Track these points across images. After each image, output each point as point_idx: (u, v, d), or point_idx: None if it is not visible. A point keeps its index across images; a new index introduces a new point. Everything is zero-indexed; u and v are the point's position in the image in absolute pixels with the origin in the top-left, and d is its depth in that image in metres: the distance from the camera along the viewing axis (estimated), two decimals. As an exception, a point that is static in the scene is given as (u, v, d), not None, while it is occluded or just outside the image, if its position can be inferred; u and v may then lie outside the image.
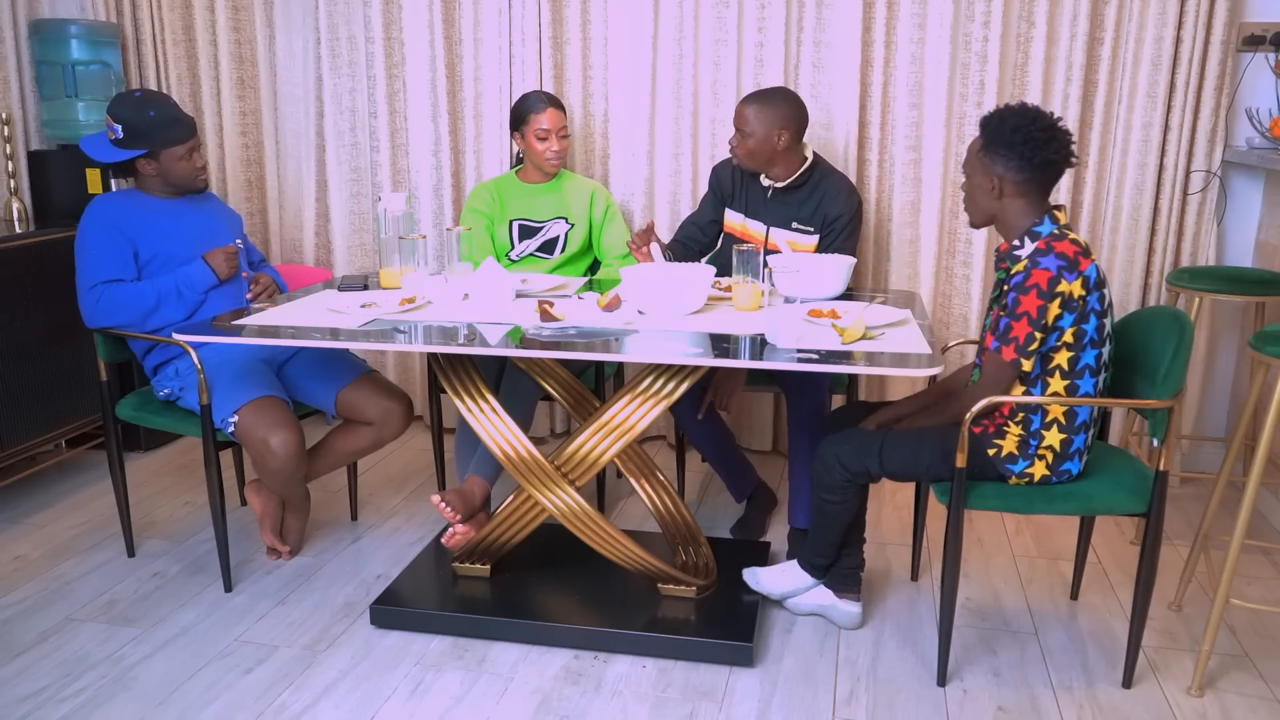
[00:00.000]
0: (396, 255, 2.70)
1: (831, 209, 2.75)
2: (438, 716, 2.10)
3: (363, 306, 2.45)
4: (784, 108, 2.68)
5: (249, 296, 2.69)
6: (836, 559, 2.41)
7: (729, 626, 2.34)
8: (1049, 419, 2.11)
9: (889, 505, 3.23)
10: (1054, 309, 2.03)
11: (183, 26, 3.68)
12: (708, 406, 2.84)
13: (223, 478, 2.58)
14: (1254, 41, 3.12)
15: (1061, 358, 2.08)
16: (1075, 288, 2.02)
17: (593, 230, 3.16)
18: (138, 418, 2.72)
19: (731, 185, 2.90)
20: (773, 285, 2.60)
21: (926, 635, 2.42)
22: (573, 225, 3.12)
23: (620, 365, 3.23)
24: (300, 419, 2.63)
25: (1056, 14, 3.15)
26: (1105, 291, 2.08)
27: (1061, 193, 3.26)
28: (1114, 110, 3.21)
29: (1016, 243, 2.12)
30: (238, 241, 2.79)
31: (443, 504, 2.49)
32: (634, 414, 2.29)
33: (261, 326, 2.33)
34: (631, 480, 2.60)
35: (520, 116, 3.03)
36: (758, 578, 2.47)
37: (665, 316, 2.36)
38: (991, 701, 2.16)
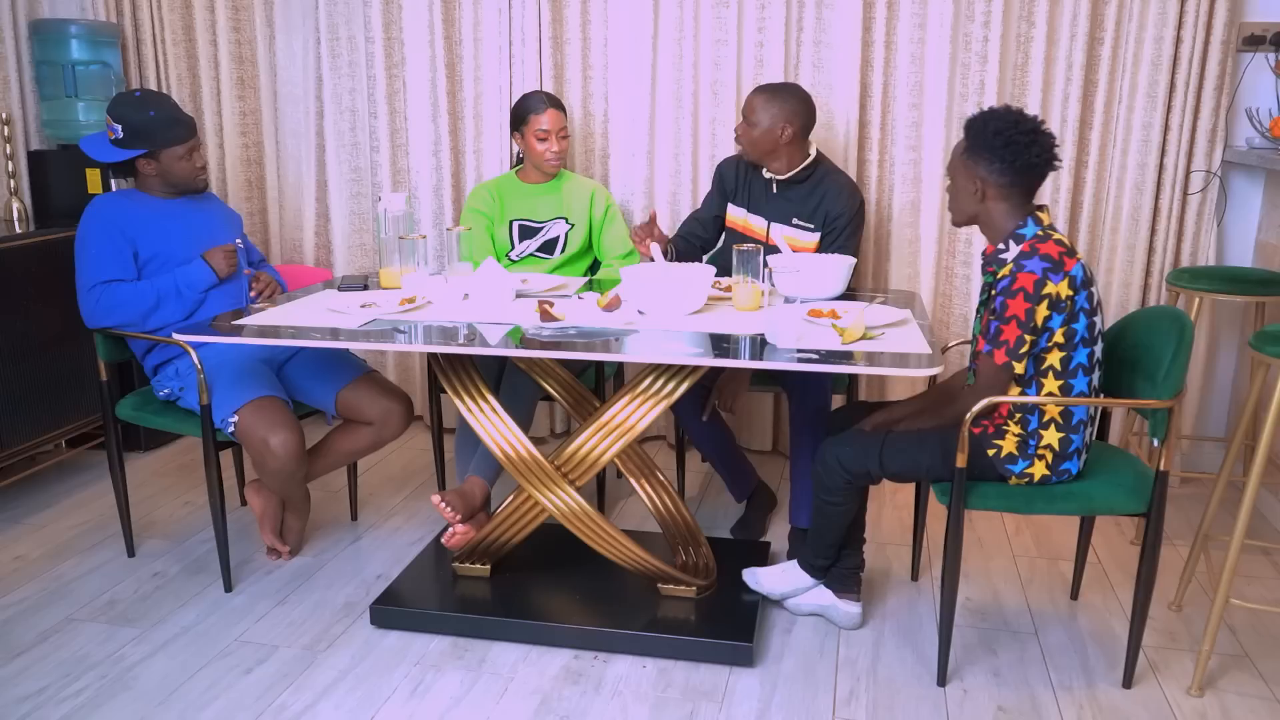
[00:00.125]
0: (396, 255, 2.70)
1: (833, 207, 2.75)
2: (438, 716, 2.10)
3: (363, 306, 2.45)
4: (792, 103, 2.69)
5: (252, 294, 2.70)
6: (837, 559, 2.41)
7: (729, 626, 2.34)
8: (1046, 418, 2.12)
9: (889, 505, 3.23)
10: (1042, 311, 2.03)
11: (183, 26, 3.68)
12: (711, 407, 2.83)
13: (223, 478, 2.58)
14: (1254, 41, 3.12)
15: (1054, 358, 2.08)
16: (1062, 288, 2.03)
17: (593, 230, 3.16)
18: (138, 418, 2.72)
19: (735, 180, 2.90)
20: (773, 285, 2.60)
21: (926, 635, 2.42)
22: (573, 225, 3.12)
23: (620, 365, 3.23)
24: (300, 419, 2.63)
25: (1056, 14, 3.15)
26: (1093, 290, 2.08)
27: (1061, 192, 3.26)
28: (1114, 110, 3.21)
29: (1001, 246, 2.13)
30: (237, 241, 2.79)
31: (443, 504, 2.49)
32: (634, 414, 2.29)
33: (261, 326, 2.33)
34: (631, 480, 2.60)
35: (520, 117, 3.03)
36: (757, 578, 2.47)
37: (665, 316, 2.36)
38: (991, 701, 2.16)
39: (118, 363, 2.75)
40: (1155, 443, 2.11)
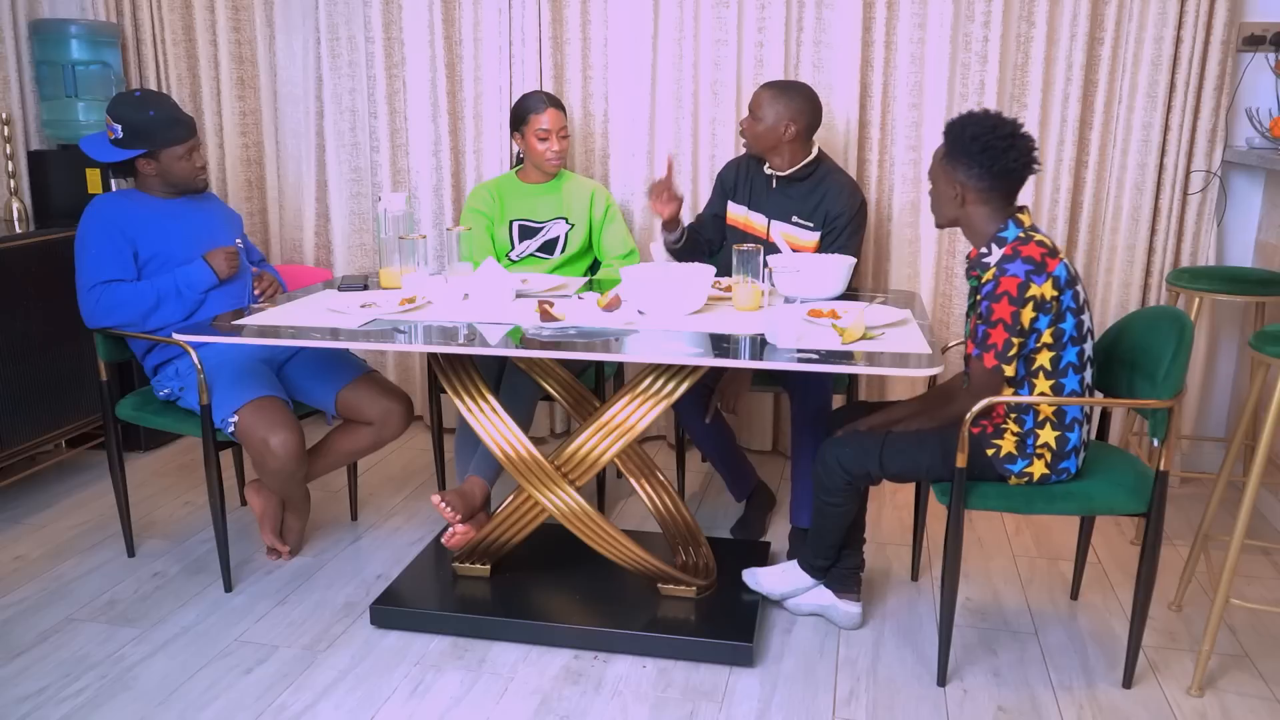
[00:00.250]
0: (396, 255, 2.70)
1: (834, 206, 2.75)
2: (438, 716, 2.10)
3: (363, 306, 2.45)
4: (798, 101, 2.69)
5: (256, 293, 2.70)
6: (837, 559, 2.41)
7: (729, 626, 2.34)
8: (1041, 418, 2.12)
9: (889, 505, 3.23)
10: (1027, 313, 2.03)
11: (183, 26, 3.68)
12: (714, 408, 2.83)
13: (223, 478, 2.58)
14: (1254, 41, 3.12)
15: (1043, 358, 2.08)
16: (1046, 289, 2.03)
17: (593, 230, 3.16)
18: (138, 418, 2.72)
19: (735, 178, 2.91)
20: (773, 285, 2.61)
21: (926, 635, 2.42)
22: (573, 225, 3.12)
23: (620, 365, 3.23)
24: (300, 419, 2.63)
25: (1056, 14, 3.15)
26: (1079, 289, 2.08)
27: (1061, 192, 3.26)
28: (1114, 110, 3.21)
29: (984, 250, 2.13)
30: (237, 241, 2.79)
31: (443, 504, 2.49)
32: (634, 414, 2.29)
33: (261, 326, 2.33)
34: (631, 480, 2.60)
35: (520, 117, 3.03)
36: (757, 578, 2.47)
37: (665, 316, 2.36)
38: (991, 701, 2.16)
39: (118, 363, 2.75)
40: (1155, 443, 2.11)
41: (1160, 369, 2.07)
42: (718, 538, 2.80)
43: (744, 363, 2.07)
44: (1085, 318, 2.10)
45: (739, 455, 3.02)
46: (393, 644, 2.37)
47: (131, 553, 2.83)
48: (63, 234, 3.17)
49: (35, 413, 3.12)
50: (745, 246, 2.38)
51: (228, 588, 2.62)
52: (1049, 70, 3.19)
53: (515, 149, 3.20)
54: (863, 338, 2.16)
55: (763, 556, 2.72)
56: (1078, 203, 3.30)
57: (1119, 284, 3.28)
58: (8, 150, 3.35)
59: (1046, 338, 2.06)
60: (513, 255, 3.12)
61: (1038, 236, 2.08)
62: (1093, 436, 2.64)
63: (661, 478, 2.62)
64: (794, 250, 2.73)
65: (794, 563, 2.46)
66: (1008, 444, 2.13)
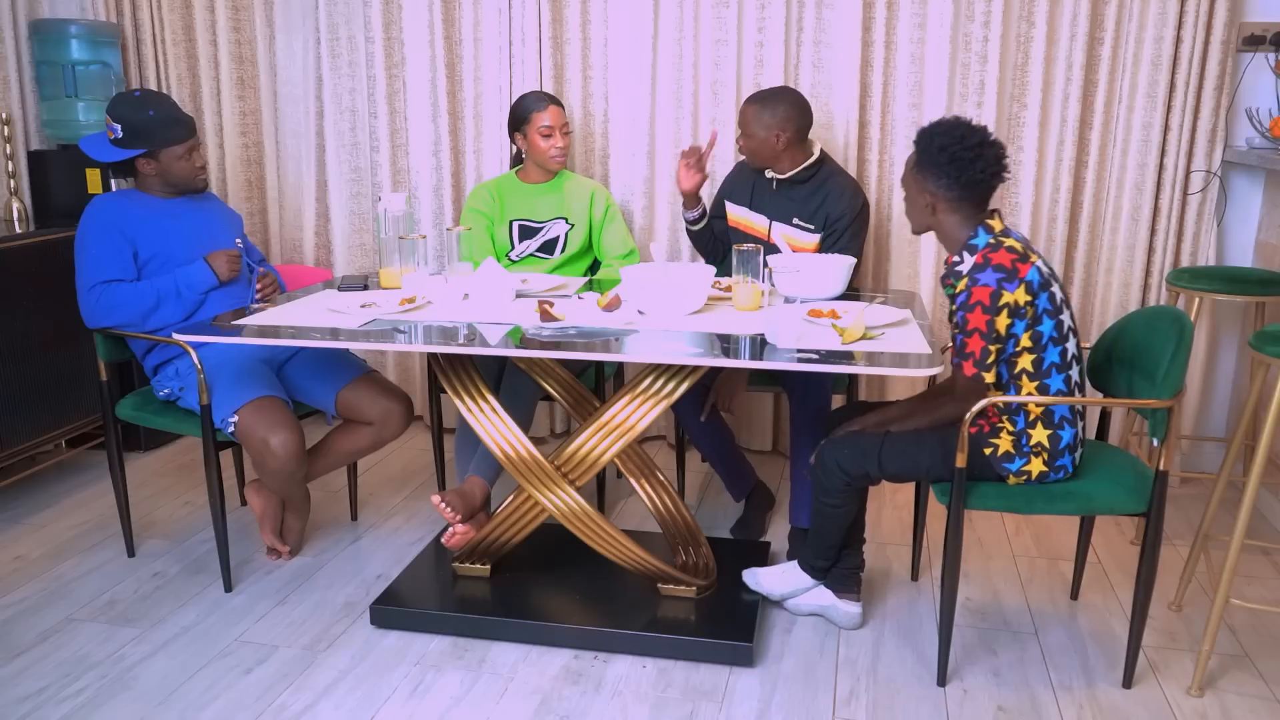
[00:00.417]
0: (396, 255, 2.70)
1: (834, 208, 2.75)
2: (438, 716, 2.10)
3: (363, 306, 2.45)
4: (783, 108, 2.69)
5: (257, 290, 2.70)
6: (837, 560, 2.41)
7: (729, 626, 2.34)
8: (1032, 417, 2.12)
9: (889, 505, 3.23)
10: (1002, 320, 2.03)
11: (183, 26, 3.68)
12: (710, 407, 2.84)
13: (223, 478, 2.58)
14: (1254, 41, 3.12)
15: (1025, 361, 2.09)
16: (1019, 295, 2.03)
17: (593, 230, 3.16)
18: (138, 418, 2.72)
19: (735, 180, 2.93)
20: (773, 285, 2.61)
21: (926, 635, 2.42)
22: (573, 225, 3.12)
23: (620, 365, 3.23)
24: (300, 419, 2.63)
25: (1056, 14, 3.15)
26: (1054, 290, 2.08)
27: (1061, 192, 3.26)
28: (1114, 110, 3.21)
29: (957, 258, 2.14)
30: (237, 241, 2.79)
31: (443, 504, 2.49)
32: (634, 414, 2.29)
33: (261, 326, 2.33)
34: (631, 480, 2.60)
35: (521, 117, 3.03)
36: (758, 579, 2.47)
37: (665, 316, 2.36)
38: (991, 701, 2.16)
39: (118, 363, 2.75)
40: (1155, 442, 2.11)
41: (1160, 369, 2.07)
42: (718, 538, 2.80)
43: (744, 363, 2.07)
44: (1065, 317, 2.10)
45: (738, 455, 3.02)
46: (393, 644, 2.37)
47: (131, 553, 2.83)
48: (63, 234, 3.17)
49: (35, 413, 3.12)
50: (745, 246, 2.38)
51: (228, 588, 2.62)
52: (1049, 70, 3.19)
53: (515, 149, 3.19)
54: (863, 338, 2.16)
55: (763, 556, 2.72)
56: (1078, 203, 3.30)
57: (1119, 284, 3.28)
58: (8, 150, 3.35)
59: (1025, 342, 2.07)
60: (513, 255, 3.12)
61: (1008, 241, 2.08)
62: (1088, 434, 2.65)
63: (661, 478, 2.62)
64: (794, 251, 2.73)
65: (794, 563, 2.46)
66: (1004, 443, 2.13)
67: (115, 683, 2.21)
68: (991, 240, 2.10)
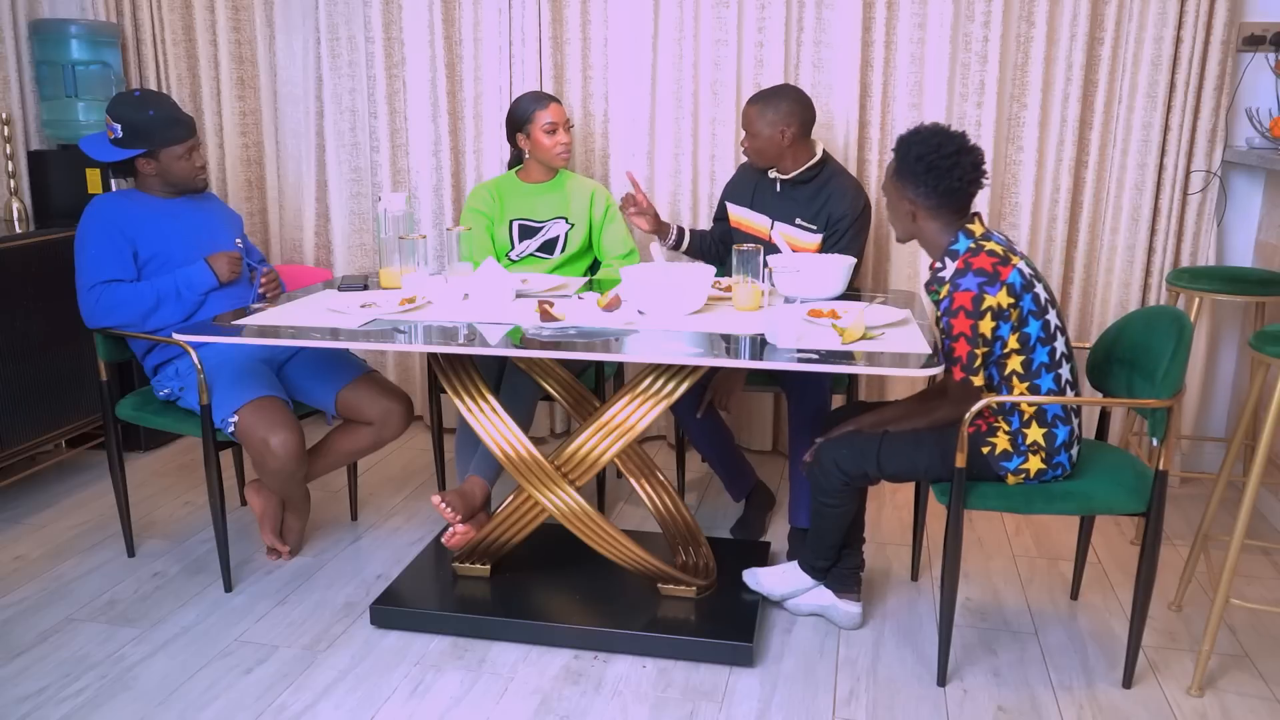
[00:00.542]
0: (396, 255, 2.70)
1: (836, 209, 2.75)
2: (438, 716, 2.10)
3: (363, 306, 2.45)
4: (786, 105, 2.69)
5: (261, 287, 2.70)
6: (837, 560, 2.41)
7: (729, 626, 2.34)
8: (1026, 417, 2.13)
9: (889, 505, 3.23)
10: (987, 323, 2.03)
11: (183, 26, 3.68)
12: (707, 405, 2.84)
13: (223, 478, 2.58)
14: (1254, 41, 3.12)
15: (1014, 363, 2.09)
16: (1001, 299, 2.03)
17: (593, 230, 3.16)
18: (138, 418, 2.72)
19: (737, 181, 2.93)
20: (773, 285, 2.61)
21: (926, 635, 2.42)
22: (573, 225, 3.12)
23: (620, 365, 3.23)
24: (300, 419, 2.63)
25: (1056, 14, 3.15)
26: (1039, 290, 2.08)
27: (1061, 192, 3.26)
28: (1114, 110, 3.21)
29: (939, 264, 2.15)
30: (237, 241, 2.79)
31: (443, 504, 2.49)
32: (634, 414, 2.29)
33: (261, 326, 2.33)
34: (631, 480, 2.60)
35: (522, 118, 3.02)
36: (758, 579, 2.47)
37: (665, 316, 2.36)
38: (991, 701, 2.16)
39: (118, 363, 2.75)
40: (1155, 442, 2.11)
41: (1159, 368, 2.07)
42: (718, 538, 2.80)
43: (744, 363, 2.07)
44: (1051, 316, 2.10)
45: (737, 455, 3.02)
46: (393, 644, 2.37)
47: (131, 553, 2.83)
48: (63, 234, 3.17)
49: (35, 413, 3.12)
50: (745, 246, 2.38)
51: (228, 588, 2.62)
52: (1049, 70, 3.19)
53: (515, 152, 3.18)
54: (863, 338, 2.16)
55: (763, 556, 2.72)
56: (1078, 203, 3.30)
57: (1119, 284, 3.28)
58: (8, 150, 3.35)
59: (1013, 344, 2.07)
60: (513, 255, 3.12)
61: (989, 245, 2.09)
62: (1089, 434, 2.65)
63: (661, 478, 2.62)
64: (794, 251, 2.73)
65: (794, 563, 2.46)
66: (1002, 442, 2.13)
67: (115, 683, 2.21)
68: (972, 245, 2.10)
